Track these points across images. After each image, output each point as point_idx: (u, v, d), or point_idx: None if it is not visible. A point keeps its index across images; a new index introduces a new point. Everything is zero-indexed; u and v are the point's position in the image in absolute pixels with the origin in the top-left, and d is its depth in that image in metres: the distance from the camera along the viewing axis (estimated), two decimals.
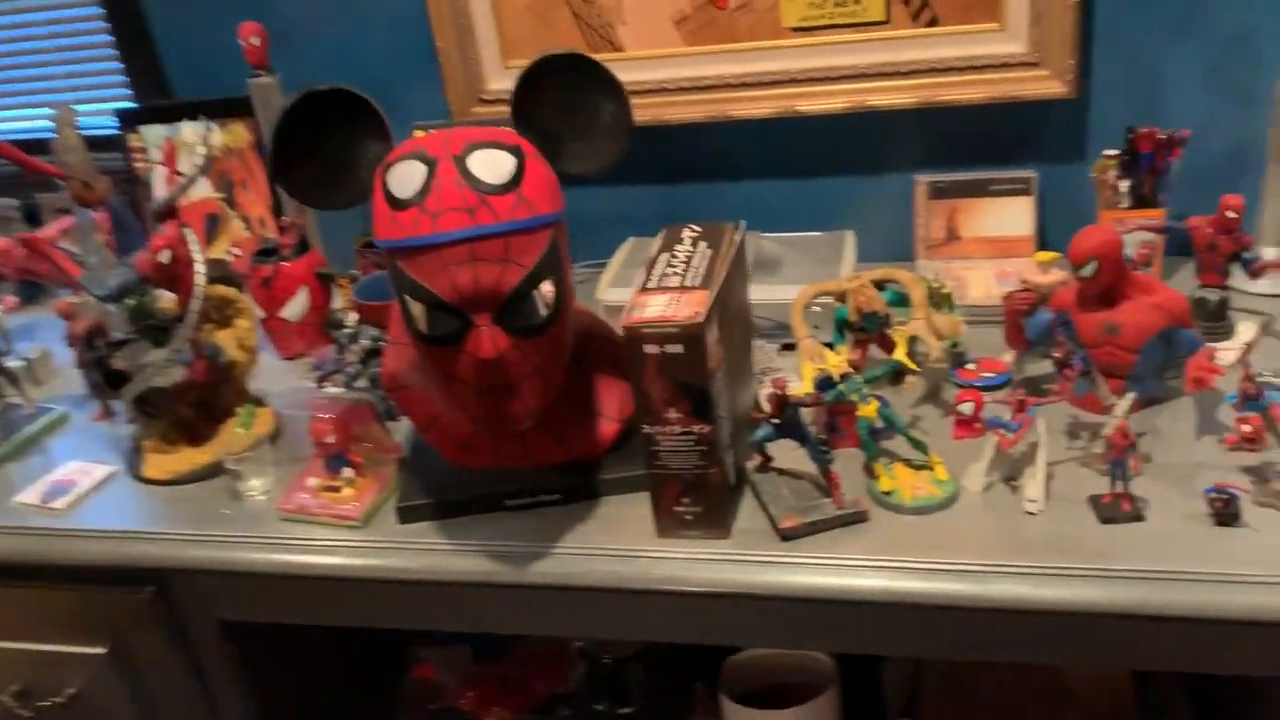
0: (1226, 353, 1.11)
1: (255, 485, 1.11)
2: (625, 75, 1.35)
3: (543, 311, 0.89)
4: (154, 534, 1.08)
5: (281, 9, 1.48)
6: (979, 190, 1.33)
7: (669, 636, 1.02)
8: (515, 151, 0.86)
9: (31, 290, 1.59)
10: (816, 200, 1.42)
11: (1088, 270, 1.00)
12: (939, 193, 1.34)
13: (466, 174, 0.83)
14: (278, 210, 1.54)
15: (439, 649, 1.43)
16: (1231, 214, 1.08)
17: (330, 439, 1.07)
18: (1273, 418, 0.91)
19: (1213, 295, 1.13)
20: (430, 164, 0.84)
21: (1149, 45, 1.25)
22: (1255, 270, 1.10)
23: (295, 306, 1.36)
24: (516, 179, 0.85)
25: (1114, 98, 1.29)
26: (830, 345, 1.11)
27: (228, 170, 1.54)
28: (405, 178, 0.85)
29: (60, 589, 1.13)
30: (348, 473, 1.07)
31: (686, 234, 1.04)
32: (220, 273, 1.24)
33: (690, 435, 0.91)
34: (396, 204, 0.85)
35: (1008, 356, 1.13)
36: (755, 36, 1.32)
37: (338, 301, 1.41)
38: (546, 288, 0.88)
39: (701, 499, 0.94)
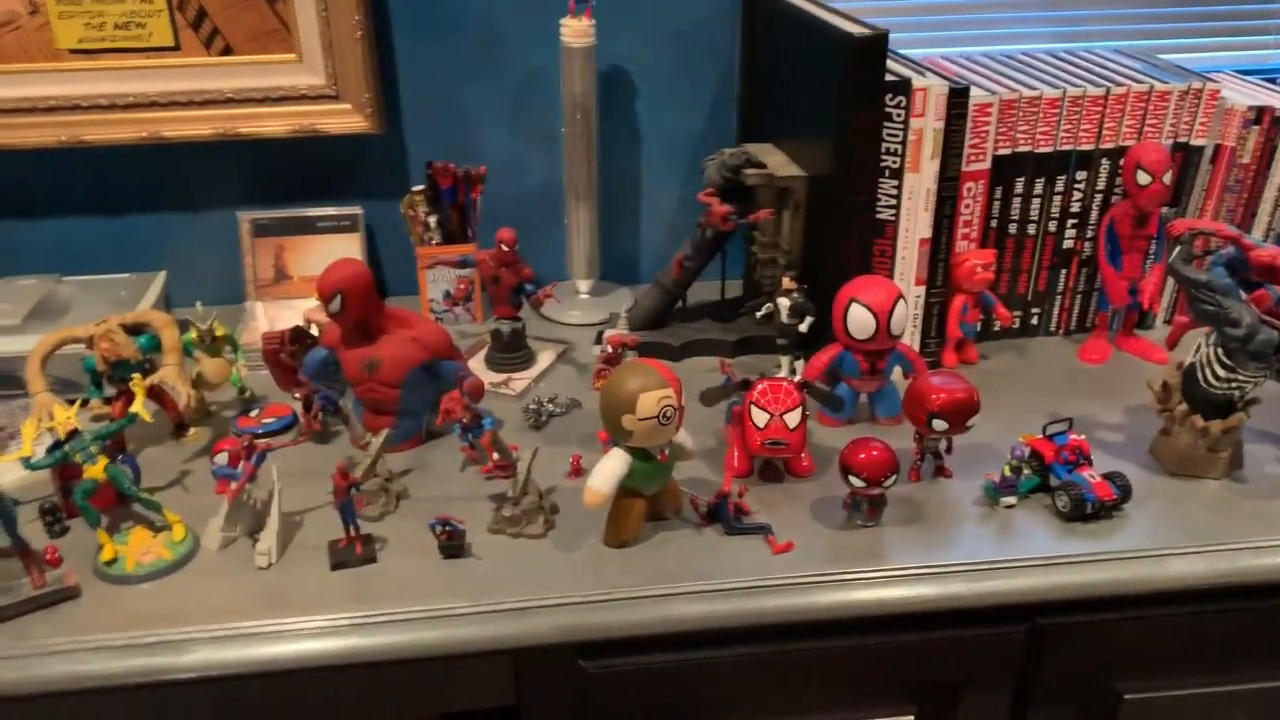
0: (517, 381, 1.14)
1: None
2: None
3: None
4: None
5: None
6: (305, 227, 1.28)
7: None
8: None
9: None
10: (130, 240, 1.29)
11: (334, 305, 0.97)
12: (263, 230, 1.27)
13: None
14: None
15: None
16: (504, 247, 1.10)
17: None
18: (483, 446, 0.91)
19: (505, 326, 1.15)
20: None
21: (453, 83, 1.27)
22: (533, 302, 1.13)
23: None
24: None
25: (428, 135, 1.29)
26: (89, 398, 0.99)
27: None
28: None
29: None
30: None
31: None
32: None
33: None
34: None
35: None
36: (27, 58, 1.17)
37: None
38: None
39: None
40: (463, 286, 1.25)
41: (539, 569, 0.87)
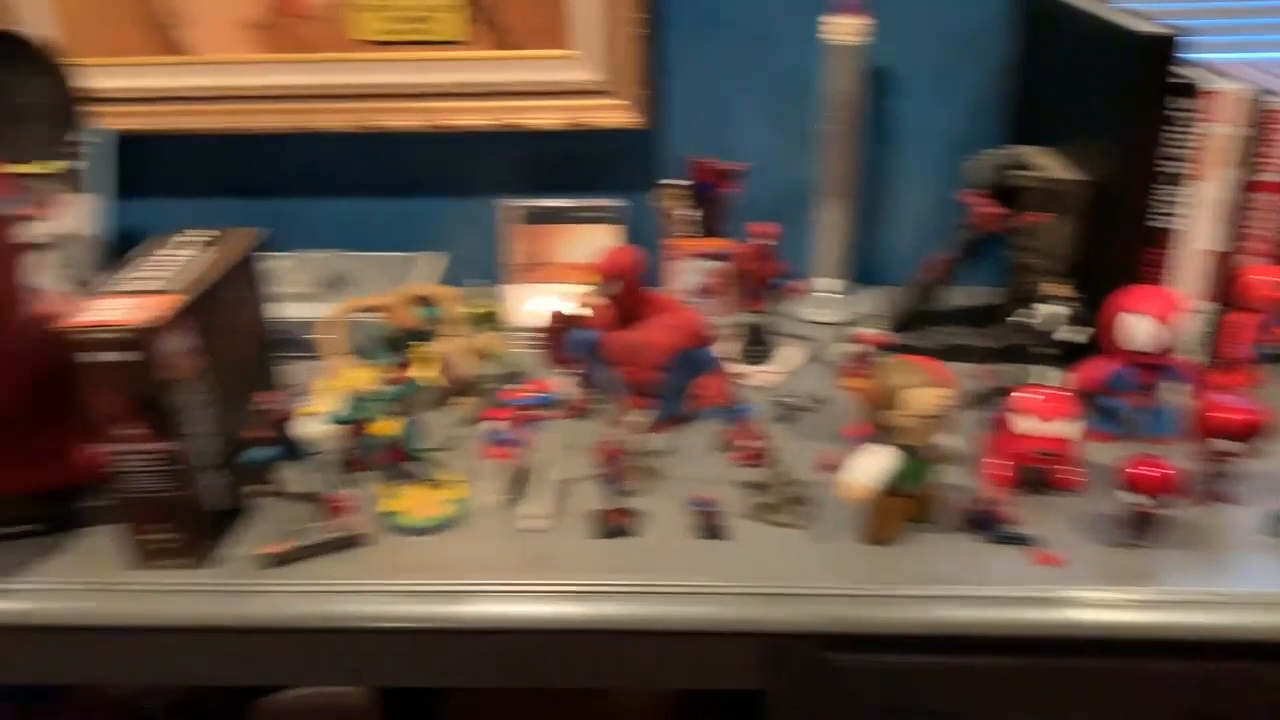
0: (764, 375, 1.16)
1: None
2: (196, 80, 1.30)
3: None
4: None
5: None
6: (565, 217, 1.33)
7: (146, 678, 0.93)
8: None
9: None
10: (408, 221, 1.38)
11: (608, 288, 1.01)
12: (527, 218, 1.33)
13: None
14: None
15: None
16: (762, 241, 1.11)
17: None
18: (742, 431, 0.93)
19: (754, 320, 1.16)
20: None
21: (715, 78, 1.30)
22: (783, 296, 1.14)
23: None
24: None
25: (689, 130, 1.32)
26: (376, 362, 1.07)
27: None
28: None
29: None
30: None
31: (194, 238, 0.97)
32: None
33: (154, 454, 0.84)
34: None
35: (564, 378, 1.12)
36: (331, 47, 1.27)
37: None
38: None
39: (174, 525, 0.86)
40: (712, 280, 1.27)
41: (793, 558, 0.88)
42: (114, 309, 0.82)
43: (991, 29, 1.25)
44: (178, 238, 0.97)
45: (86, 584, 0.88)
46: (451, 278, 1.30)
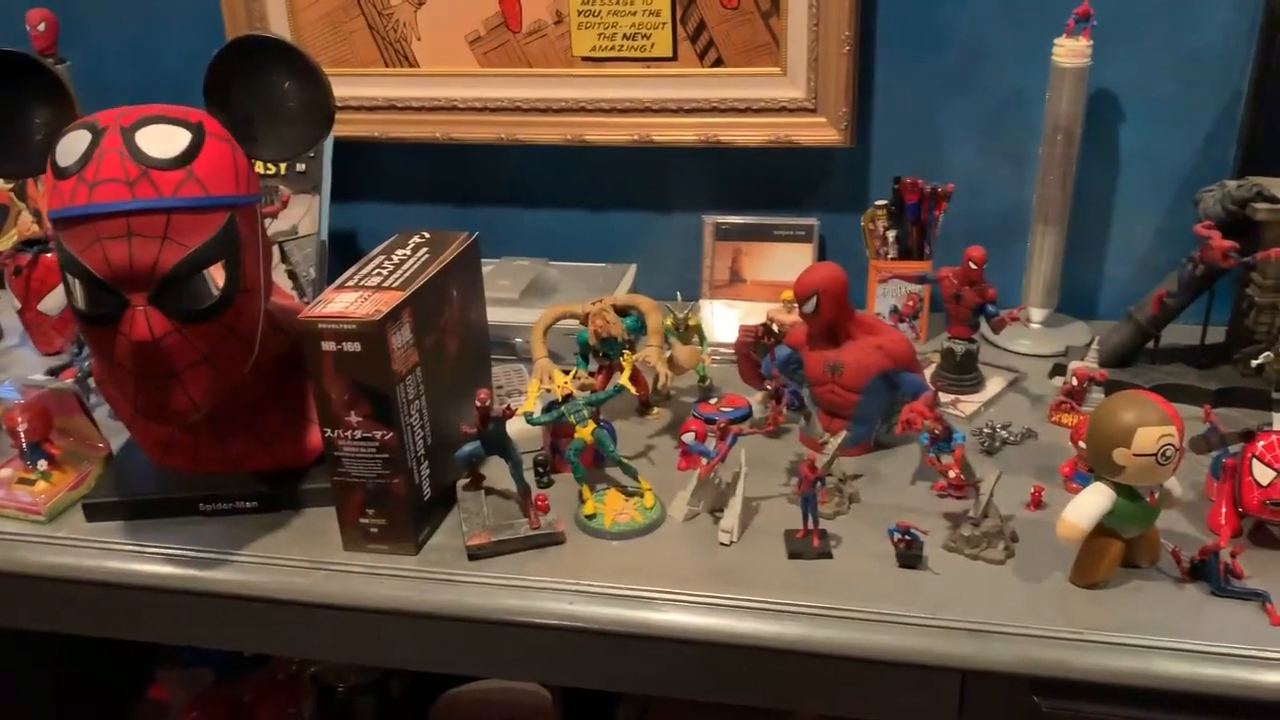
0: (968, 404, 1.12)
1: None
2: (417, 91, 1.36)
3: (213, 294, 0.84)
4: None
5: None
6: (763, 234, 1.33)
7: (348, 656, 0.97)
8: (193, 128, 0.83)
9: None
10: (607, 233, 1.41)
11: (809, 306, 0.99)
12: (725, 234, 1.34)
13: (131, 145, 0.80)
14: None
15: (176, 669, 1.35)
16: (973, 265, 1.08)
17: (22, 428, 1.01)
18: (952, 460, 0.90)
19: (959, 346, 1.12)
20: (97, 133, 0.81)
21: (927, 99, 1.27)
22: (995, 324, 1.10)
23: (54, 300, 1.30)
24: (188, 156, 0.81)
25: (894, 150, 1.30)
26: (577, 368, 1.09)
27: None
28: (70, 146, 0.81)
29: None
30: (43, 465, 1.02)
31: (414, 240, 1.02)
32: None
33: (372, 441, 0.88)
34: (59, 173, 0.81)
35: (759, 395, 1.12)
36: (546, 63, 1.31)
37: None
38: (218, 272, 0.84)
39: (385, 511, 0.90)
40: (911, 303, 1.24)
41: (997, 594, 0.84)
42: (342, 303, 0.87)
43: (1230, 52, 1.17)
44: (401, 238, 1.02)
45: (298, 561, 0.92)
46: (648, 290, 1.31)
